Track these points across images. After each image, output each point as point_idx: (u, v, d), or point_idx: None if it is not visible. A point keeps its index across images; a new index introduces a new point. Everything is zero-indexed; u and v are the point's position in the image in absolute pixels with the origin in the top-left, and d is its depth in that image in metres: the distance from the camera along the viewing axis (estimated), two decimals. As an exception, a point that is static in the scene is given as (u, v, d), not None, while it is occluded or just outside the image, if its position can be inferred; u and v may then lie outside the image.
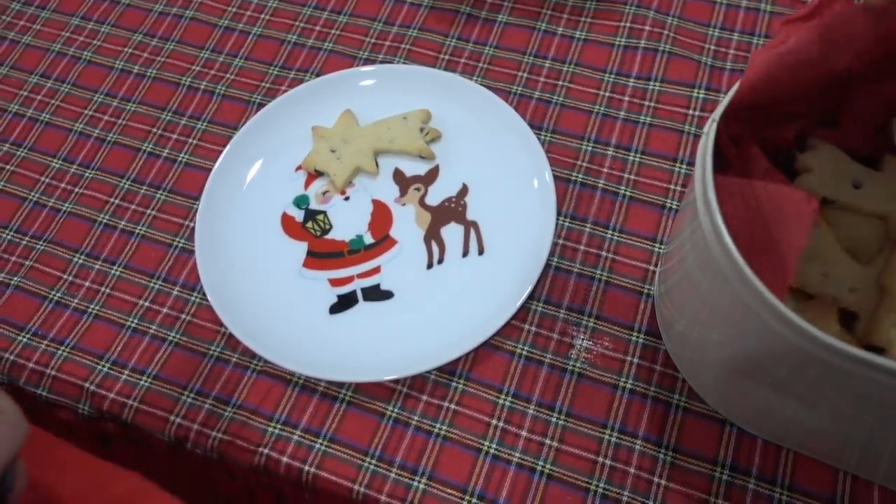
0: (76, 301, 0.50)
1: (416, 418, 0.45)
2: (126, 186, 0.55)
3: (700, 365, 0.43)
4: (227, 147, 0.53)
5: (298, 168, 0.53)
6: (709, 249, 0.34)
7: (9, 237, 0.53)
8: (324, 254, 0.50)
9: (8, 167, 0.56)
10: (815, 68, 0.36)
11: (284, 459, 0.44)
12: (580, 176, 0.52)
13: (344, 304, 0.48)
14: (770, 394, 0.39)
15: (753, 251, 0.34)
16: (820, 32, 0.35)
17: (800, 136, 0.42)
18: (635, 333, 0.46)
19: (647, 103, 0.54)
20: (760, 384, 0.39)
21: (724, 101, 0.35)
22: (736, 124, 0.38)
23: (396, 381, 0.46)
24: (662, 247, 0.49)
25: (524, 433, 0.44)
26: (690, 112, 0.54)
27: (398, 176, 0.52)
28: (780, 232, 0.33)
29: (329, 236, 0.50)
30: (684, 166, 0.52)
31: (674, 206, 0.50)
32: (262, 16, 0.62)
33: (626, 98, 0.55)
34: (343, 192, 0.52)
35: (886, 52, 0.37)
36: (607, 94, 0.55)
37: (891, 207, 0.40)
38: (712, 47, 0.56)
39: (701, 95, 0.54)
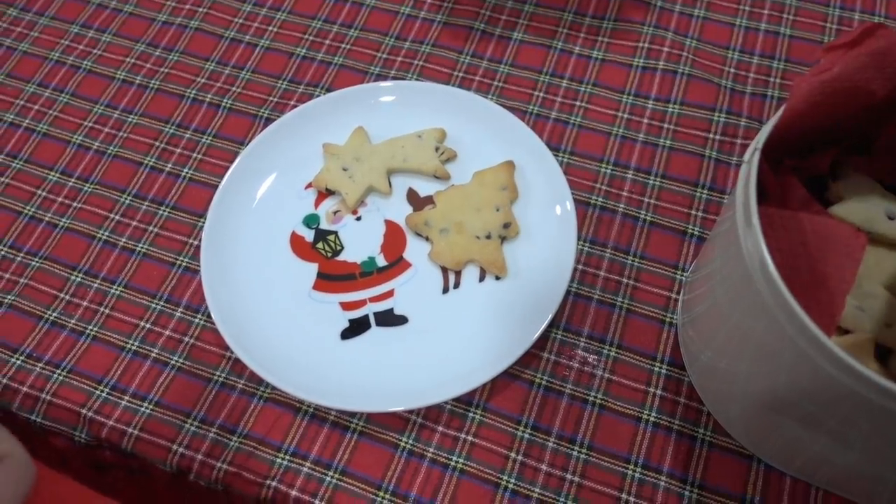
0: (73, 321, 0.48)
1: (431, 450, 0.43)
2: (127, 202, 0.53)
3: (726, 397, 0.42)
4: (236, 162, 0.51)
5: (308, 186, 0.51)
6: (748, 280, 0.33)
7: (2, 253, 0.51)
8: (335, 276, 0.48)
9: (3, 179, 0.54)
10: (857, 97, 0.35)
11: (293, 493, 0.42)
12: (599, 199, 0.51)
13: (356, 329, 0.46)
14: (800, 429, 0.38)
15: (798, 285, 0.32)
16: (865, 60, 0.34)
17: (833, 165, 0.41)
18: (658, 364, 0.45)
19: (666, 126, 0.53)
20: (790, 419, 0.37)
21: (766, 127, 0.34)
22: (775, 152, 0.37)
23: (411, 411, 0.44)
24: (686, 274, 0.47)
25: (544, 467, 0.42)
26: (711, 136, 0.52)
27: (412, 196, 0.51)
28: (828, 266, 0.32)
29: (340, 258, 0.48)
30: (705, 191, 0.50)
31: (695, 232, 0.49)
32: (270, 28, 0.60)
33: (645, 120, 0.54)
34: (355, 212, 0.50)
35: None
36: (626, 115, 0.54)
37: (927, 239, 0.39)
38: (732, 70, 0.55)
39: (721, 119, 0.53)
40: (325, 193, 0.51)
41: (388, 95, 0.54)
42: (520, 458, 0.42)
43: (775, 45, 0.56)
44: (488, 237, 0.48)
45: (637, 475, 0.42)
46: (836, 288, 0.31)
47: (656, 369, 0.45)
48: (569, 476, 0.42)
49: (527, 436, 0.43)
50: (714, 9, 0.59)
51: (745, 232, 0.32)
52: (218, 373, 0.46)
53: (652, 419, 0.43)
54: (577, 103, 0.55)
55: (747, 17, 0.58)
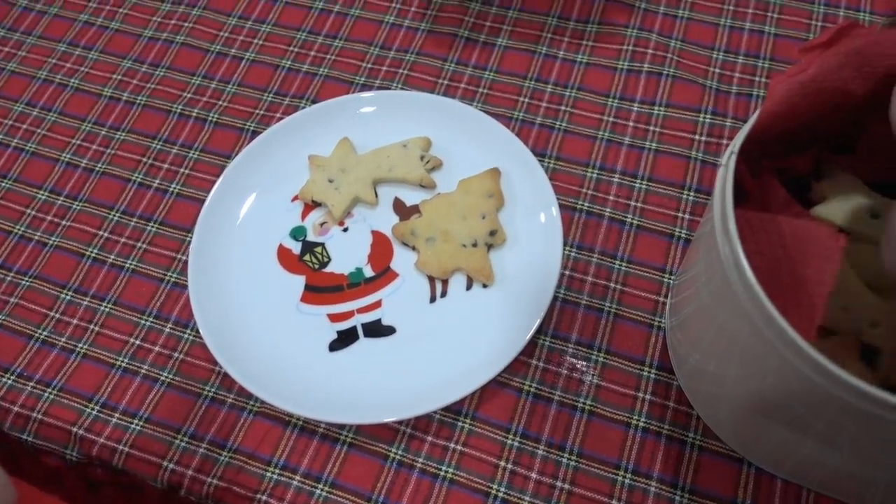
0: (63, 340, 0.48)
1: (420, 460, 0.43)
2: (115, 218, 0.53)
3: (715, 401, 0.42)
4: (221, 177, 0.51)
5: (295, 198, 0.51)
6: (728, 284, 0.33)
7: (-7, 273, 0.51)
8: (322, 288, 0.48)
9: (-8, 199, 0.54)
10: (836, 96, 0.35)
11: (284, 507, 0.42)
12: (586, 204, 0.50)
13: (344, 340, 0.46)
14: (788, 432, 0.37)
15: (777, 288, 0.32)
16: (841, 59, 0.34)
17: (817, 164, 0.41)
18: (647, 368, 0.45)
19: (652, 128, 0.53)
20: (779, 422, 0.37)
21: (743, 130, 0.34)
22: (753, 154, 0.36)
23: (400, 422, 0.44)
24: (673, 277, 0.47)
25: (534, 475, 0.42)
26: (697, 137, 0.52)
27: (398, 206, 0.51)
28: (807, 269, 0.32)
29: (328, 269, 0.49)
30: (692, 193, 0.50)
31: (682, 235, 0.49)
32: (255, 41, 0.60)
33: (631, 123, 0.53)
34: (342, 224, 0.50)
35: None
36: (611, 119, 0.54)
37: (911, 237, 0.39)
38: (717, 70, 0.55)
39: (707, 120, 0.53)
40: (311, 205, 0.51)
41: (371, 106, 0.54)
42: (509, 466, 0.42)
43: (760, 43, 0.56)
44: (475, 245, 0.48)
45: (627, 481, 0.42)
46: (815, 291, 0.31)
47: (645, 374, 0.45)
48: (559, 483, 0.42)
49: (516, 444, 0.43)
50: (698, 9, 0.58)
51: (722, 236, 0.32)
52: (207, 388, 0.46)
53: (641, 424, 0.43)
54: (563, 108, 0.55)
55: (731, 17, 0.58)
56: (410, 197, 0.51)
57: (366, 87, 0.57)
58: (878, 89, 0.36)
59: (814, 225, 0.33)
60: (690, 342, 0.42)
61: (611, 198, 0.51)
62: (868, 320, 0.38)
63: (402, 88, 0.57)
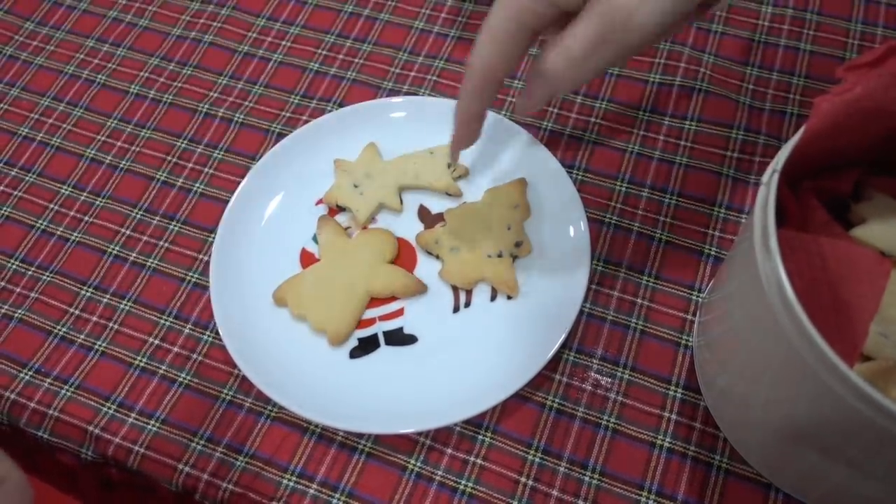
0: (82, 337, 0.48)
1: (440, 473, 0.42)
2: (138, 216, 0.52)
3: (743, 424, 0.41)
4: (246, 178, 0.51)
5: (319, 202, 0.51)
6: (765, 304, 0.32)
7: (14, 267, 0.51)
8: (344, 294, 0.47)
9: (16, 193, 0.54)
10: (881, 117, 0.34)
11: (299, 515, 0.41)
12: (614, 218, 0.50)
13: (365, 347, 0.45)
14: (821, 459, 0.36)
15: (819, 312, 0.31)
16: (888, 80, 0.33)
17: (856, 186, 0.40)
18: (673, 387, 0.44)
19: (683, 143, 0.52)
20: (810, 448, 0.36)
21: (786, 148, 0.33)
22: (794, 172, 0.36)
23: (419, 433, 0.43)
24: (702, 296, 0.46)
25: (555, 493, 0.41)
26: (728, 153, 0.51)
27: (423, 213, 0.50)
28: (850, 293, 0.31)
29: (350, 275, 0.48)
30: (723, 210, 0.49)
31: (712, 253, 0.48)
32: (284, 42, 0.60)
33: (662, 137, 0.53)
34: (365, 229, 0.49)
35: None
36: (641, 132, 0.53)
37: (953, 263, 0.38)
38: (750, 86, 0.54)
39: (739, 136, 0.52)
40: (335, 209, 0.50)
41: (400, 111, 0.53)
42: (530, 482, 0.42)
43: (795, 60, 0.55)
44: (500, 256, 0.47)
45: (651, 502, 0.41)
46: (858, 315, 0.30)
47: (671, 393, 0.44)
48: (580, 502, 0.41)
49: (538, 460, 0.42)
50: (732, 24, 0.58)
51: (763, 256, 0.32)
52: (225, 391, 0.45)
53: (666, 444, 0.42)
54: (592, 120, 0.54)
55: (766, 33, 0.57)
56: (435, 205, 0.50)
57: (393, 93, 0.56)
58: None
59: (858, 248, 0.32)
60: (719, 362, 0.41)
61: (639, 212, 0.50)
62: (906, 347, 0.37)
63: (429, 94, 0.56)
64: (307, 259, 0.49)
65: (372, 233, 0.48)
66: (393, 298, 0.47)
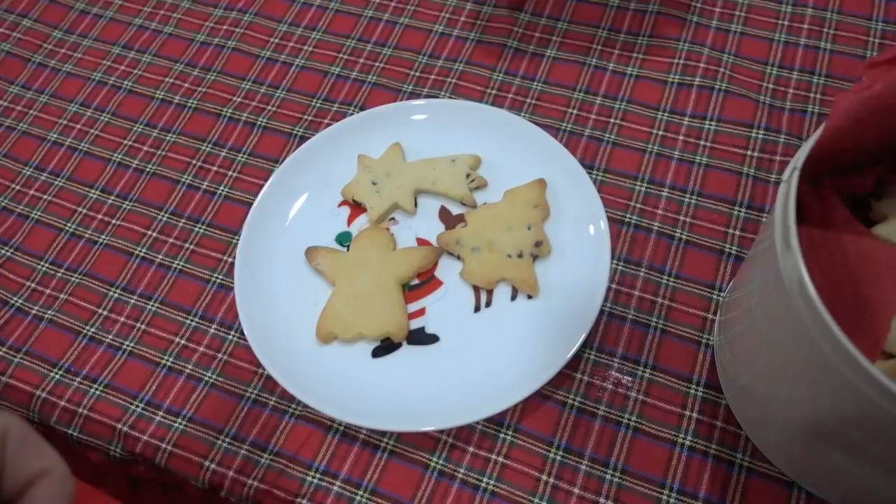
0: (110, 337, 0.49)
1: (461, 471, 0.43)
2: (164, 219, 0.53)
3: (765, 422, 0.41)
4: (270, 180, 0.51)
5: (342, 204, 0.51)
6: (787, 303, 0.32)
7: (44, 269, 0.52)
8: (366, 294, 0.48)
9: (46, 197, 0.55)
10: (902, 113, 0.34)
11: (323, 512, 0.42)
12: (634, 217, 0.50)
13: (387, 347, 0.46)
14: (844, 457, 0.36)
15: (840, 308, 0.31)
16: (910, 76, 0.33)
17: (877, 183, 0.40)
18: (694, 386, 0.44)
19: (702, 143, 0.52)
20: (833, 446, 0.36)
21: (806, 146, 0.33)
22: (815, 170, 0.36)
23: (441, 431, 0.43)
24: (723, 294, 0.46)
25: (577, 490, 0.41)
26: (749, 153, 0.51)
27: (444, 214, 0.51)
28: (872, 290, 0.31)
29: (372, 275, 0.48)
30: (743, 210, 0.49)
31: (733, 252, 0.48)
32: (306, 47, 0.61)
33: (681, 137, 0.53)
34: (387, 230, 0.50)
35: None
36: (661, 132, 0.53)
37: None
38: (770, 86, 0.54)
39: (760, 136, 0.52)
40: (357, 210, 0.51)
41: (422, 113, 0.54)
42: (551, 480, 0.42)
43: (815, 59, 0.55)
44: (520, 256, 0.47)
45: (673, 500, 0.41)
46: (879, 312, 0.30)
47: (692, 391, 0.44)
48: (602, 500, 0.41)
49: (559, 458, 0.42)
50: (751, 24, 0.58)
51: (784, 253, 0.32)
52: (250, 389, 0.46)
53: (688, 443, 0.42)
54: (612, 120, 0.54)
55: (786, 32, 0.57)
56: (456, 206, 0.51)
57: (414, 95, 0.57)
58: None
59: (880, 245, 0.32)
60: (740, 361, 0.41)
61: (659, 212, 0.50)
62: (930, 345, 0.36)
63: (450, 97, 0.57)
64: (330, 260, 0.49)
65: (363, 235, 0.49)
66: (415, 298, 0.47)
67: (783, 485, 0.41)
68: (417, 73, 0.58)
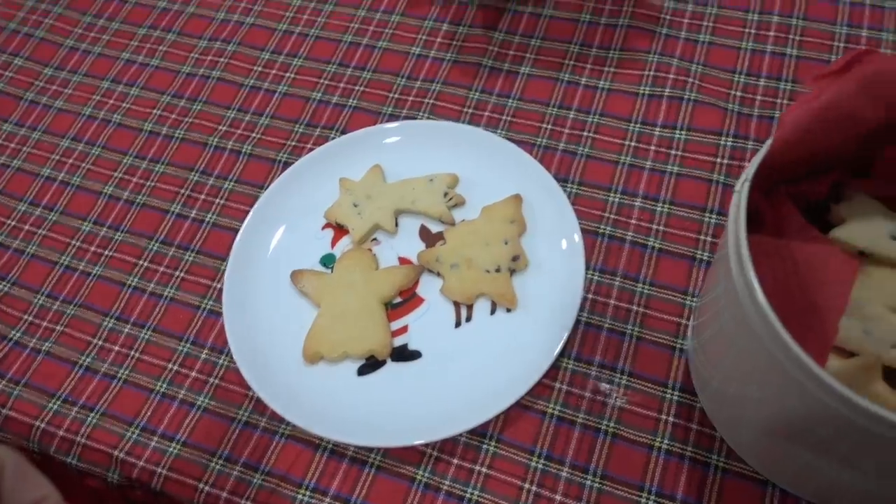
0: (105, 366, 0.51)
1: (447, 483, 0.44)
2: (155, 248, 0.55)
3: (737, 423, 0.42)
4: (254, 207, 0.53)
5: (325, 226, 0.53)
6: (742, 309, 0.34)
7: (40, 302, 0.54)
8: (351, 314, 0.49)
9: (40, 231, 0.57)
10: (849, 122, 0.35)
11: (314, 528, 0.43)
12: (608, 228, 0.51)
13: (372, 364, 0.47)
14: (811, 455, 0.37)
15: (791, 313, 0.33)
16: (854, 86, 0.34)
17: (835, 187, 0.41)
18: (669, 391, 0.45)
19: (673, 152, 0.54)
20: (801, 445, 0.37)
21: (756, 158, 0.35)
22: (769, 179, 0.37)
23: (427, 445, 0.45)
24: (695, 300, 0.48)
25: (558, 497, 0.43)
26: (718, 160, 0.53)
27: (424, 233, 0.52)
28: (820, 294, 0.32)
29: (356, 295, 0.50)
30: (714, 216, 0.51)
31: (704, 258, 0.49)
32: (288, 74, 0.63)
33: (653, 147, 0.54)
34: (370, 251, 0.51)
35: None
36: (633, 143, 0.55)
37: (932, 259, 0.39)
38: (738, 94, 0.56)
39: (729, 143, 0.53)
40: (339, 231, 0.53)
41: (398, 135, 0.56)
42: (534, 488, 0.43)
43: (782, 66, 0.56)
44: (498, 270, 0.49)
45: (651, 503, 0.42)
46: (827, 317, 0.32)
47: (668, 396, 0.45)
48: (583, 505, 0.42)
49: (540, 466, 0.44)
50: (719, 33, 0.59)
51: (735, 262, 0.33)
52: (241, 412, 0.48)
53: (665, 446, 0.43)
54: (585, 134, 0.56)
55: (753, 40, 0.58)
56: (436, 225, 0.52)
57: (393, 118, 0.59)
58: (892, 114, 0.36)
59: (827, 250, 0.34)
60: (712, 365, 0.42)
61: (633, 221, 0.51)
62: (890, 342, 0.38)
63: (428, 117, 0.58)
64: (315, 282, 0.51)
65: (346, 256, 0.51)
66: (398, 315, 0.49)
67: (757, 483, 0.42)
68: (396, 95, 0.60)
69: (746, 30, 0.59)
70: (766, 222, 0.37)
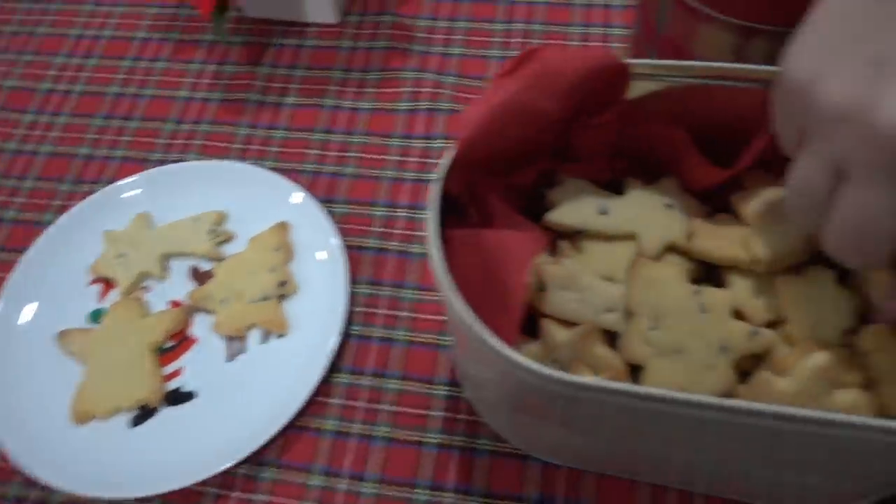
0: None
1: (229, 517, 0.44)
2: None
3: (489, 405, 0.44)
4: (10, 275, 0.52)
5: (93, 282, 0.52)
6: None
7: None
8: (122, 365, 0.49)
9: None
10: (529, 115, 0.38)
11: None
12: (376, 241, 0.53)
13: (145, 414, 0.47)
14: (542, 424, 0.40)
15: (485, 299, 0.35)
16: (526, 82, 0.37)
17: (547, 174, 0.44)
18: (437, 387, 0.47)
19: (433, 161, 0.56)
20: (530, 416, 0.40)
21: (444, 160, 0.37)
22: (472, 176, 0.39)
23: (205, 483, 0.45)
24: (454, 297, 0.50)
25: (340, 510, 0.44)
26: (472, 163, 0.56)
27: (195, 273, 0.52)
28: (506, 276, 0.35)
29: (127, 346, 0.49)
30: (471, 216, 0.53)
31: (465, 256, 0.52)
32: (52, 133, 0.61)
33: (414, 159, 0.57)
34: (138, 299, 0.51)
35: (591, 90, 0.39)
36: (396, 158, 0.57)
37: (636, 226, 0.43)
38: (487, 99, 0.59)
39: (480, 146, 0.56)
40: (107, 284, 0.52)
41: (163, 180, 0.56)
42: (315, 505, 0.44)
43: (525, 69, 0.60)
44: (265, 299, 0.50)
45: (424, 498, 0.43)
46: (512, 297, 0.34)
47: (436, 392, 0.47)
48: (363, 513, 0.43)
49: (319, 483, 0.44)
50: (471, 45, 0.63)
51: (431, 256, 0.35)
52: (11, 489, 0.46)
53: (435, 441, 0.45)
54: (350, 154, 0.58)
55: (500, 48, 0.62)
56: (206, 263, 0.53)
57: (161, 163, 0.58)
58: (564, 104, 0.39)
59: (513, 232, 0.36)
60: (460, 354, 0.44)
61: (398, 232, 0.53)
62: (603, 307, 0.41)
63: (197, 158, 0.58)
64: (85, 339, 0.50)
65: (113, 308, 0.50)
66: (171, 359, 0.49)
67: (519, 458, 0.44)
68: (165, 140, 0.60)
69: (493, 38, 0.63)
70: (469, 215, 0.39)
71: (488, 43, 0.63)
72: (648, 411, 0.33)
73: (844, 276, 0.40)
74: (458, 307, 0.33)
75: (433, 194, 0.36)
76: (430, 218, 0.36)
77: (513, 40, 0.62)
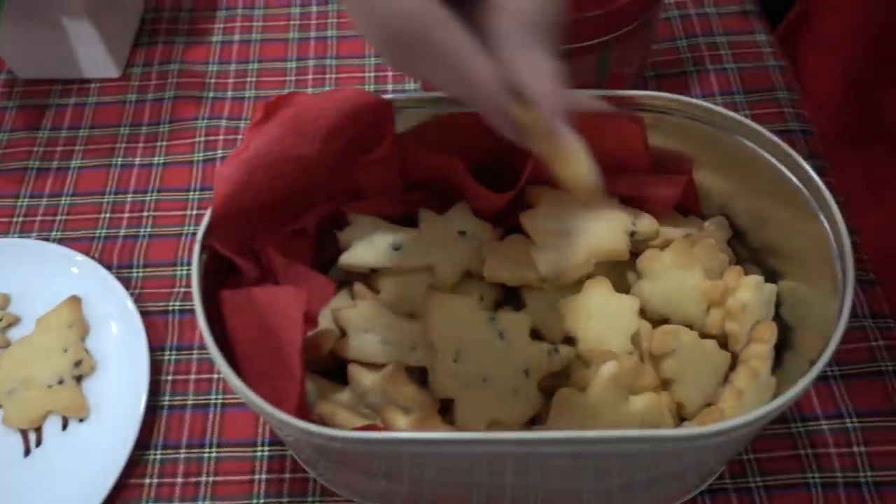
0: None
1: None
2: None
3: (309, 459, 0.42)
4: None
5: None
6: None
7: None
8: None
9: None
10: (288, 163, 0.37)
11: None
12: (180, 303, 0.51)
13: (-71, 533, 0.42)
14: (373, 475, 0.39)
15: (265, 358, 0.34)
16: (281, 130, 0.37)
17: (339, 215, 0.43)
18: (260, 448, 0.45)
19: (233, 211, 0.54)
20: (351, 468, 0.39)
21: (204, 222, 0.35)
22: (246, 231, 0.38)
23: None
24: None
25: None
26: (275, 207, 0.54)
27: (-23, 366, 0.48)
28: (280, 331, 0.34)
29: None
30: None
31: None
32: None
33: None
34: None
35: (356, 129, 0.39)
36: (195, 212, 0.55)
37: (431, 258, 0.43)
38: (285, 140, 0.58)
39: (281, 189, 0.55)
40: None
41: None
42: None
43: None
44: (61, 382, 0.46)
45: (253, 568, 0.42)
46: (288, 351, 0.33)
47: (259, 454, 0.45)
48: None
49: (137, 572, 0.42)
50: (264, 86, 0.61)
51: (198, 319, 0.33)
52: None
53: (261, 504, 0.43)
54: (145, 214, 0.55)
55: (294, 87, 0.61)
56: (-8, 353, 0.48)
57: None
58: (328, 146, 0.38)
59: (279, 289, 0.36)
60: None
61: (202, 290, 0.51)
62: (407, 346, 0.41)
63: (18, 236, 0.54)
64: None
65: None
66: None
67: (347, 505, 0.43)
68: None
69: (287, 77, 0.62)
70: (249, 271, 0.38)
71: (283, 82, 0.62)
72: (443, 455, 0.33)
73: (621, 282, 0.42)
74: (226, 372, 0.32)
75: (195, 256, 0.35)
76: (194, 280, 0.34)
77: (309, 77, 0.62)
